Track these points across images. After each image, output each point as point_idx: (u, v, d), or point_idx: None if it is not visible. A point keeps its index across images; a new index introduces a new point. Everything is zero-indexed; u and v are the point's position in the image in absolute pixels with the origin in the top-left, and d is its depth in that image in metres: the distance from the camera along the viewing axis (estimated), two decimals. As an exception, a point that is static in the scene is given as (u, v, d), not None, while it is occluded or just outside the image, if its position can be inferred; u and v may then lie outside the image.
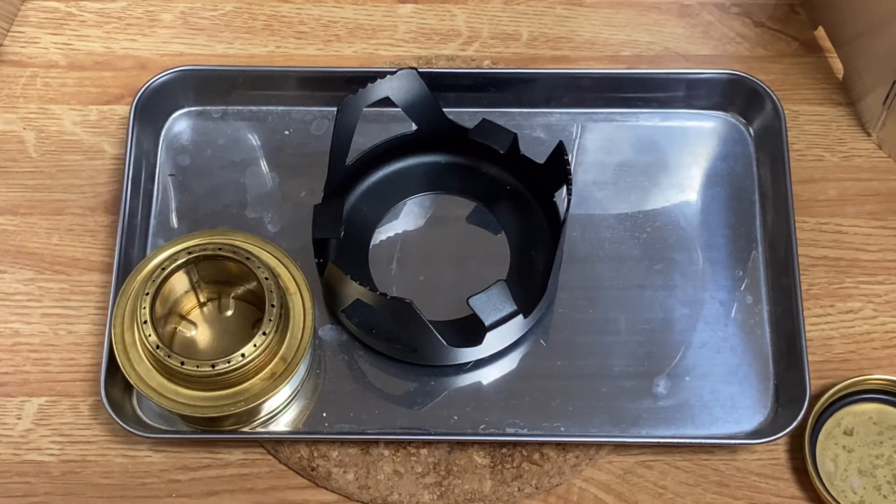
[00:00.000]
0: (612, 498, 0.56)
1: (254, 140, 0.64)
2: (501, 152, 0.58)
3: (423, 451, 0.56)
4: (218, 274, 0.56)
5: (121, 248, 0.58)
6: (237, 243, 0.54)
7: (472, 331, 0.55)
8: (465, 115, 0.63)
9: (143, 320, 0.51)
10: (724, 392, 0.57)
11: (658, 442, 0.56)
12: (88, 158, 0.64)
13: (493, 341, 0.56)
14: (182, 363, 0.51)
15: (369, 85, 0.57)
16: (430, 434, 0.56)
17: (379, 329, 0.57)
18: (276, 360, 0.53)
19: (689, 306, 0.59)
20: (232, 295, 0.58)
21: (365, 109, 0.58)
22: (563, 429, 0.56)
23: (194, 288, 0.56)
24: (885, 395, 0.57)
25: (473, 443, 0.56)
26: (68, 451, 0.56)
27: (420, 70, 0.58)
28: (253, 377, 0.52)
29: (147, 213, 0.61)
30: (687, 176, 0.63)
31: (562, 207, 0.58)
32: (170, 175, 0.63)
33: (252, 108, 0.65)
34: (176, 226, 0.61)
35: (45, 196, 0.62)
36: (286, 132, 0.64)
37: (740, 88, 0.63)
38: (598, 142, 0.64)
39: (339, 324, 0.58)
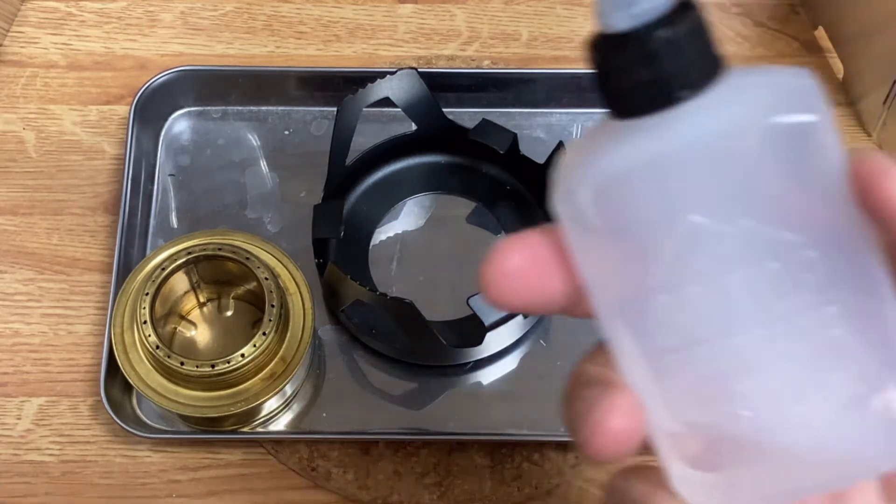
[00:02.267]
0: (612, 498, 0.55)
1: (254, 140, 0.64)
2: (501, 152, 0.58)
3: (423, 451, 0.56)
4: (218, 274, 0.56)
5: (120, 248, 0.58)
6: (237, 243, 0.54)
7: (472, 331, 0.55)
8: (465, 115, 0.63)
9: (142, 320, 0.51)
10: (724, 392, 0.57)
11: (658, 442, 0.56)
12: (88, 158, 0.64)
13: (493, 341, 0.56)
14: (182, 363, 0.51)
15: (369, 85, 0.57)
16: (430, 434, 0.56)
17: (379, 329, 0.57)
18: (275, 360, 0.53)
19: (689, 306, 0.59)
20: (232, 295, 0.58)
21: (365, 109, 0.58)
22: (563, 429, 0.56)
23: (194, 288, 0.56)
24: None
25: (473, 443, 0.56)
26: (68, 451, 0.56)
27: (420, 70, 0.58)
28: (253, 377, 0.52)
29: (147, 213, 0.61)
30: (687, 176, 0.63)
31: (562, 207, 0.58)
32: (170, 175, 0.63)
33: (252, 108, 0.65)
34: (176, 226, 0.61)
35: (44, 196, 0.62)
36: (286, 132, 0.64)
37: (740, 88, 0.63)
38: (598, 142, 0.64)
39: (339, 324, 0.58)
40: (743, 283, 0.25)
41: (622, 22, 0.25)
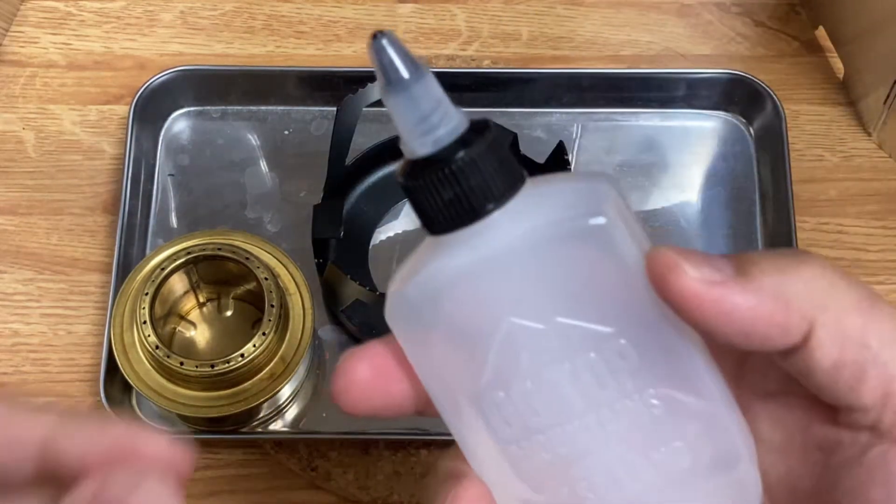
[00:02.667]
0: (613, 498, 0.55)
1: (253, 140, 0.64)
2: (501, 152, 0.58)
3: (423, 452, 0.56)
4: (217, 274, 0.56)
5: (120, 249, 0.58)
6: (237, 243, 0.54)
7: (472, 331, 0.55)
8: (465, 115, 0.63)
9: (142, 320, 0.51)
10: (724, 392, 0.57)
11: (658, 442, 0.56)
12: (88, 158, 0.64)
13: (494, 341, 0.56)
14: (181, 363, 0.51)
15: (369, 85, 0.57)
16: (430, 434, 0.56)
17: (379, 329, 0.57)
18: (275, 360, 0.53)
19: (689, 306, 0.59)
20: (231, 295, 0.58)
21: (365, 109, 0.57)
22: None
23: (194, 288, 0.56)
24: (885, 395, 0.57)
25: (473, 443, 0.56)
26: (68, 451, 0.56)
27: (420, 70, 0.58)
28: (252, 377, 0.52)
29: (146, 213, 0.61)
30: (687, 176, 0.63)
31: (562, 207, 0.58)
32: (169, 175, 0.63)
33: (251, 107, 0.64)
34: (175, 226, 0.61)
35: (44, 196, 0.62)
36: (286, 132, 0.64)
37: (741, 88, 0.63)
38: (598, 142, 0.64)
39: (339, 324, 0.58)
40: (566, 374, 0.27)
41: (424, 148, 0.27)
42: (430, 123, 0.27)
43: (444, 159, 0.27)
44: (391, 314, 0.28)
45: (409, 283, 0.27)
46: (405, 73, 0.26)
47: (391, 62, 0.26)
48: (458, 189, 0.26)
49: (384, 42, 0.26)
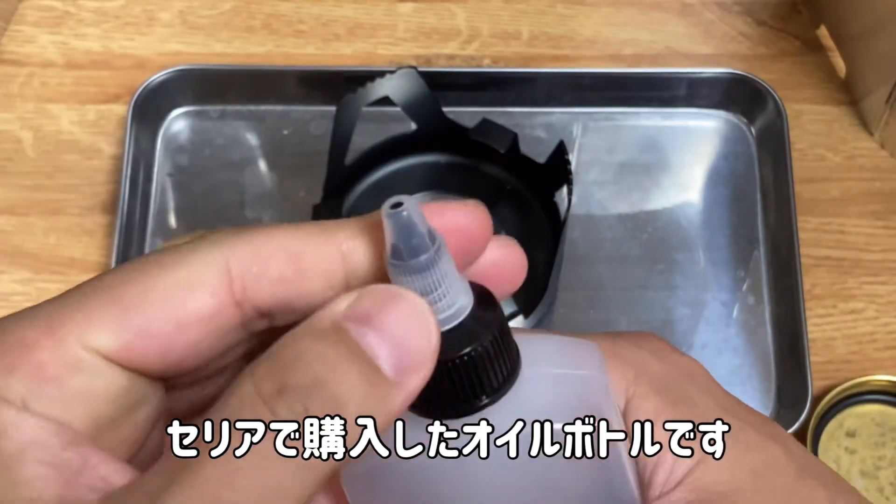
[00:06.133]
0: (614, 500, 0.55)
1: (252, 140, 0.64)
2: (502, 152, 0.58)
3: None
4: (216, 274, 0.55)
5: (119, 249, 0.58)
6: (236, 244, 0.54)
7: (472, 332, 0.55)
8: (465, 115, 0.62)
9: (140, 321, 0.51)
10: (725, 393, 0.57)
11: (659, 443, 0.55)
12: (86, 158, 0.63)
13: (494, 342, 0.55)
14: (180, 364, 0.50)
15: (368, 84, 0.57)
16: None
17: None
18: (274, 361, 0.52)
19: (690, 307, 0.59)
20: (230, 295, 0.57)
21: (364, 109, 0.57)
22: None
23: (192, 288, 0.56)
24: (887, 396, 0.57)
25: (473, 444, 0.56)
26: (66, 452, 0.56)
27: (420, 69, 0.58)
28: (251, 378, 0.52)
29: (145, 213, 0.61)
30: (688, 176, 0.63)
31: (562, 207, 0.57)
32: (168, 175, 0.63)
33: (251, 107, 0.64)
34: (174, 226, 0.61)
35: (42, 196, 0.62)
36: (285, 132, 0.64)
37: (742, 88, 0.63)
38: (598, 141, 0.64)
39: (339, 324, 0.58)
40: None
41: None
42: (431, 300, 0.25)
43: (444, 350, 0.25)
44: (358, 477, 0.26)
45: (401, 462, 0.25)
46: (423, 254, 0.25)
47: (410, 238, 0.25)
48: (453, 384, 0.25)
49: (405, 215, 0.25)
